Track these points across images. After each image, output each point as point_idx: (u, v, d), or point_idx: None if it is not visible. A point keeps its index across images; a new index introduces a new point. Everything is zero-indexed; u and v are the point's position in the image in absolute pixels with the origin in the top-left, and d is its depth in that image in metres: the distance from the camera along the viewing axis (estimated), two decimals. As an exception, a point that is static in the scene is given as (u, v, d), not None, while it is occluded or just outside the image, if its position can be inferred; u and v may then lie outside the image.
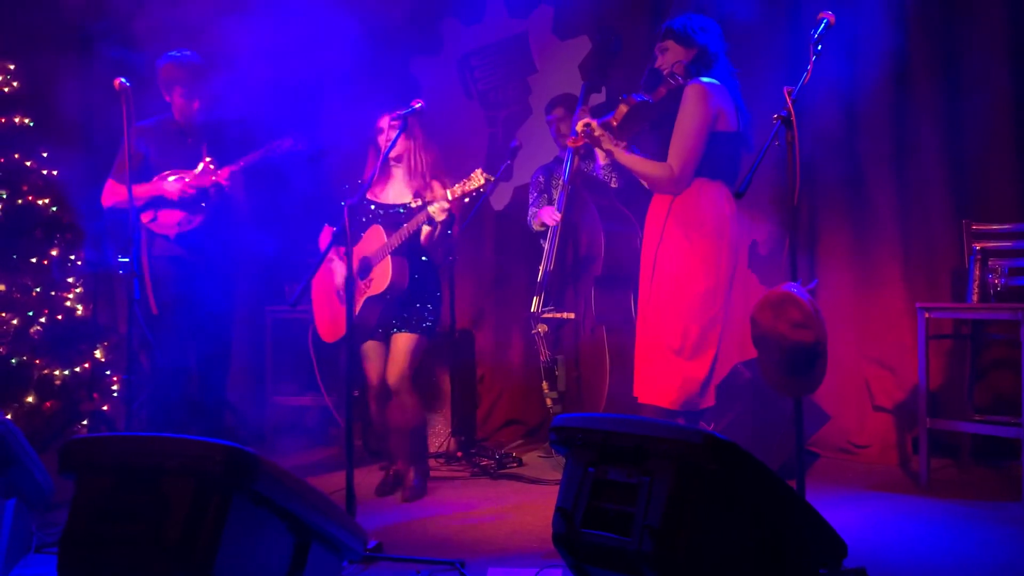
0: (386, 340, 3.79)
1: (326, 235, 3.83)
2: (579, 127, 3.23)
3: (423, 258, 3.79)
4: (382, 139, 3.72)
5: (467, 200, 3.49)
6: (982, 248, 3.74)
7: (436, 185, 3.73)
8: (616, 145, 3.24)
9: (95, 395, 4.90)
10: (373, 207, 3.79)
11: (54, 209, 4.94)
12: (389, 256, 3.62)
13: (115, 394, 4.98)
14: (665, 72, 3.28)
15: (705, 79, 3.18)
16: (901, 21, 4.15)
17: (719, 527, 1.98)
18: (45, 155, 4.97)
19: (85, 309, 4.98)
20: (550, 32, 5.09)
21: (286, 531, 2.21)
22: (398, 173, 3.81)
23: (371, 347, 3.81)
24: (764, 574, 2.05)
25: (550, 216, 4.21)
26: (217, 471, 1.95)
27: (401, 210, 3.73)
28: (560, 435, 2.23)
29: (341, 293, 3.73)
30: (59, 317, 4.84)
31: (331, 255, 3.77)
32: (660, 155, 3.24)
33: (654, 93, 3.28)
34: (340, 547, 2.41)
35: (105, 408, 4.89)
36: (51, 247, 4.91)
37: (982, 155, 4.03)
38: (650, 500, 1.98)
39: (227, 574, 1.98)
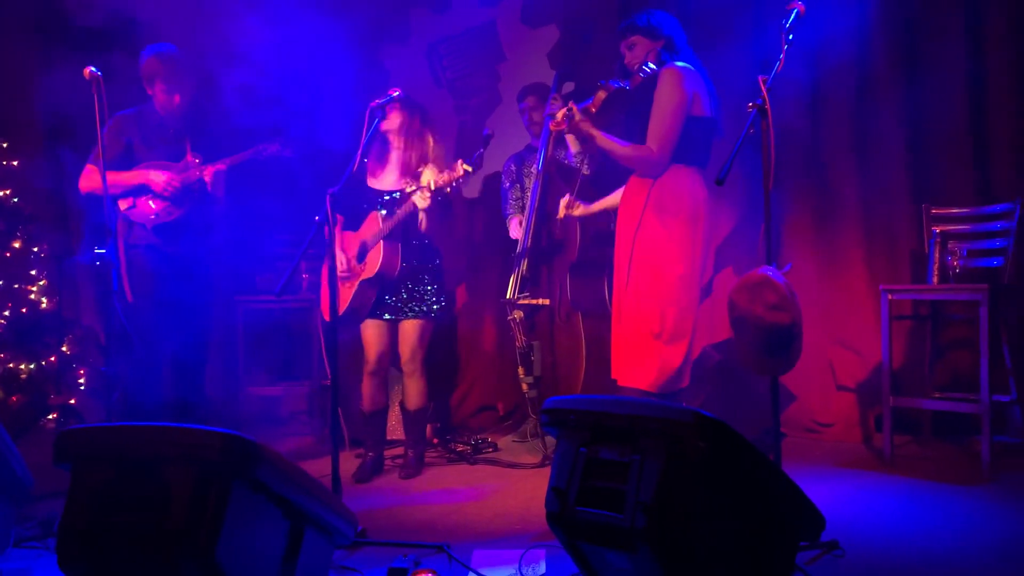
0: (391, 322, 3.92)
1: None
2: (560, 114, 3.29)
3: (423, 242, 3.91)
4: (384, 126, 3.86)
5: (448, 190, 3.63)
6: (942, 231, 3.87)
7: (426, 170, 3.86)
8: (595, 130, 3.30)
9: (62, 388, 4.85)
10: (372, 195, 3.92)
11: (15, 200, 4.86)
12: (381, 241, 3.76)
13: (82, 387, 4.92)
14: (636, 67, 3.35)
15: (680, 63, 3.26)
16: (863, 10, 4.25)
17: (709, 502, 2.05)
18: (5, 145, 4.88)
19: (50, 302, 4.91)
20: (519, 21, 5.12)
21: (282, 517, 2.23)
22: (393, 159, 3.93)
23: (372, 326, 3.92)
24: (751, 547, 2.13)
25: (516, 231, 4.38)
26: (218, 458, 1.96)
27: (397, 195, 3.86)
28: (552, 416, 2.28)
29: (343, 275, 3.86)
30: (23, 310, 4.77)
31: (339, 239, 3.90)
32: (635, 140, 3.31)
33: (631, 79, 3.35)
34: (332, 532, 2.44)
35: (72, 402, 4.83)
36: (13, 239, 4.83)
37: (941, 141, 4.14)
38: (642, 478, 2.04)
39: (228, 560, 1.99)
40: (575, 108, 3.26)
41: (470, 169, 3.53)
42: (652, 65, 3.30)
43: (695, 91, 3.23)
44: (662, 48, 3.33)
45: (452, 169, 3.55)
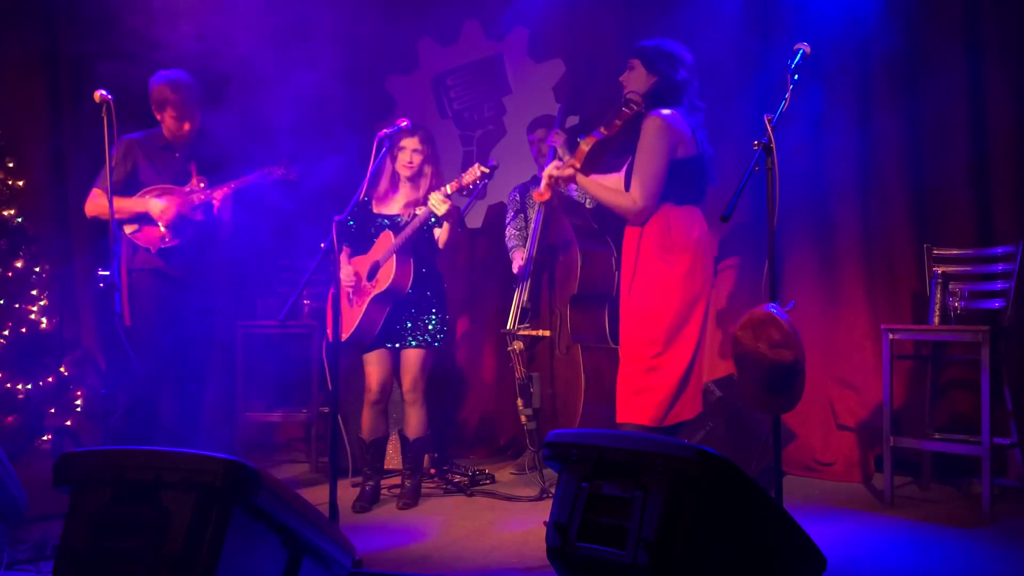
0: (393, 351, 3.91)
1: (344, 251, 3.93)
2: (544, 183, 3.35)
3: (431, 269, 3.92)
4: (403, 157, 3.87)
5: (464, 194, 3.60)
6: (943, 272, 3.88)
7: (433, 196, 3.86)
8: (584, 176, 3.33)
9: (59, 410, 4.82)
10: (379, 220, 3.92)
11: (19, 220, 4.87)
12: (394, 255, 3.74)
13: (79, 409, 4.90)
14: (623, 96, 3.34)
15: (664, 111, 3.21)
16: (865, 53, 4.30)
17: (711, 540, 2.04)
18: (11, 165, 4.91)
19: (50, 323, 4.91)
20: (525, 54, 5.17)
21: (280, 545, 2.22)
22: (405, 188, 3.94)
23: (375, 354, 3.91)
24: (752, 586, 2.12)
25: (518, 263, 4.40)
26: (219, 484, 1.95)
27: (403, 218, 3.87)
28: (554, 450, 2.27)
29: (352, 296, 3.85)
30: (23, 330, 4.77)
31: (343, 261, 3.87)
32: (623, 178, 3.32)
33: (610, 126, 3.32)
34: (330, 562, 2.42)
35: (69, 423, 4.81)
36: (16, 259, 4.84)
37: (944, 182, 4.17)
38: (645, 514, 2.03)
39: (225, 588, 1.98)
40: (555, 174, 3.29)
41: (487, 170, 3.52)
42: (633, 105, 3.29)
43: (680, 136, 3.19)
44: (651, 87, 3.28)
45: (468, 172, 3.54)
